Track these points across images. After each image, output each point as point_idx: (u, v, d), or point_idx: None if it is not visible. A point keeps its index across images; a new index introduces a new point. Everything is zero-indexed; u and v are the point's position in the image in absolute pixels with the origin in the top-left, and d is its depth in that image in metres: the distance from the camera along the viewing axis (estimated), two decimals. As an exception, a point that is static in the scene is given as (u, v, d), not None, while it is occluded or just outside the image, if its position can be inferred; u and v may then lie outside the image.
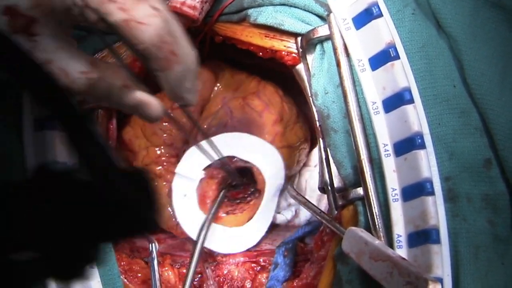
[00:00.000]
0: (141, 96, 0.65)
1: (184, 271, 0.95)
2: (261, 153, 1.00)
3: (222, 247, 1.00)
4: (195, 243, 0.91)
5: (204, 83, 1.04)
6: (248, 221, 1.02)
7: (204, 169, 1.01)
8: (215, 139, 0.98)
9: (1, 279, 0.46)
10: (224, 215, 1.03)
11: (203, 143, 0.96)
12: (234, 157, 1.00)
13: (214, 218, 0.99)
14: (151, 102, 0.65)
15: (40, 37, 0.59)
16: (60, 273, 0.50)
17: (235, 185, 1.06)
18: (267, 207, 1.02)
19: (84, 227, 0.49)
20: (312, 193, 0.99)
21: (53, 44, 0.60)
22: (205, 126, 1.02)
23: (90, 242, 0.50)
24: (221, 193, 1.02)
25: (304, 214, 1.06)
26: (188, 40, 0.65)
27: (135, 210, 0.50)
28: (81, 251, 0.50)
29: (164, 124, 1.02)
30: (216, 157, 0.97)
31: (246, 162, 1.01)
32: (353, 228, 0.70)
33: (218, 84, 1.06)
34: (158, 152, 1.02)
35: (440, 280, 0.67)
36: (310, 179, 1.01)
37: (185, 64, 0.64)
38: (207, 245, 0.97)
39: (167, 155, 1.03)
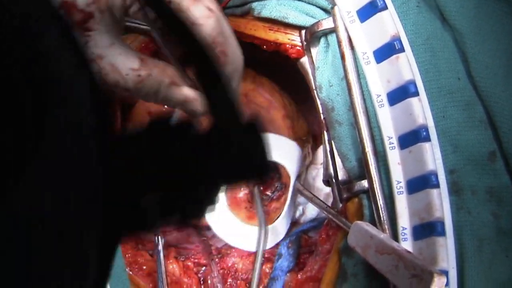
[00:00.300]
0: (188, 92, 0.66)
1: (189, 263, 0.95)
2: (281, 149, 1.00)
3: (251, 245, 1.00)
4: (256, 253, 0.91)
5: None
6: (277, 216, 1.02)
7: None
8: None
9: (131, 223, 0.50)
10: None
11: None
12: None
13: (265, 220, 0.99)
14: (197, 98, 0.66)
15: (94, 32, 0.59)
16: (184, 214, 0.56)
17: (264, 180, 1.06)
18: (292, 200, 1.02)
19: (207, 171, 0.53)
20: (319, 191, 0.99)
21: (107, 40, 0.60)
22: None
23: (212, 185, 0.56)
24: (256, 190, 1.01)
25: (311, 212, 1.06)
26: (237, 40, 0.65)
27: (253, 156, 0.56)
28: (204, 193, 0.56)
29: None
30: None
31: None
32: (359, 222, 0.70)
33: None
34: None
35: (445, 273, 0.67)
36: (317, 177, 1.01)
37: (234, 65, 0.64)
38: (245, 247, 0.97)
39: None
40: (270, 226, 1.01)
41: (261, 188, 1.02)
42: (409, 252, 0.61)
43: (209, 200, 0.57)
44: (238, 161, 0.54)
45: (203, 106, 0.67)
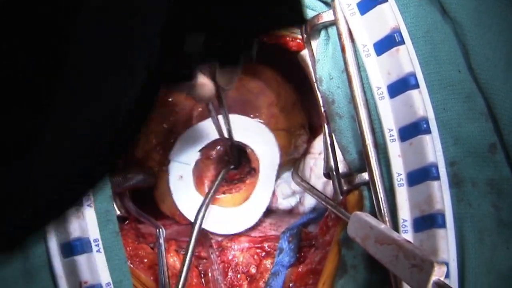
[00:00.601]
0: (199, 78, 0.70)
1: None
2: (253, 133, 1.01)
3: (220, 228, 1.00)
4: (193, 224, 0.91)
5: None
6: (245, 201, 1.03)
7: (200, 151, 1.01)
8: (207, 122, 0.99)
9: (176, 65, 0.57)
10: (221, 195, 1.03)
11: (197, 126, 0.97)
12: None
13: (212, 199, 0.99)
14: (207, 83, 0.71)
15: None
16: (222, 57, 0.63)
17: (233, 166, 1.06)
18: (263, 186, 1.02)
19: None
20: (317, 180, 0.99)
21: None
22: (200, 108, 1.03)
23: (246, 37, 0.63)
24: (221, 173, 1.02)
25: (309, 202, 1.06)
26: None
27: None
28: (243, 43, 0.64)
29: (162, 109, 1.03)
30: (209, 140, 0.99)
31: (238, 142, 1.02)
32: (358, 212, 0.70)
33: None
34: (156, 139, 1.02)
35: (446, 265, 0.67)
36: (314, 167, 1.01)
37: None
38: (205, 226, 0.97)
39: (165, 141, 1.03)
40: (236, 209, 1.02)
41: (230, 172, 1.03)
42: (409, 242, 0.61)
43: (247, 51, 0.65)
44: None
45: (212, 91, 0.70)
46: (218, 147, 1.02)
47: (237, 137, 1.00)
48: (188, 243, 0.87)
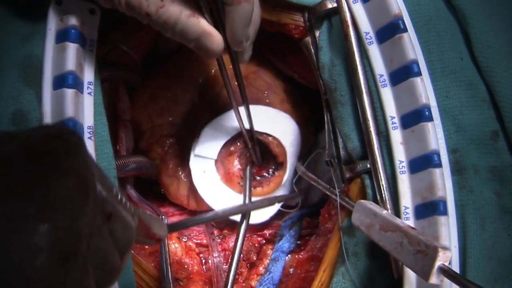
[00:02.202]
0: (205, 26, 0.68)
1: (191, 244, 0.96)
2: (277, 123, 1.00)
3: (254, 218, 0.99)
4: (239, 224, 0.90)
5: (203, 59, 1.04)
6: (273, 191, 1.02)
7: (222, 147, 1.01)
8: (228, 114, 0.99)
9: None
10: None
11: (218, 120, 0.97)
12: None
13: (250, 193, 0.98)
14: (214, 33, 0.69)
15: None
16: None
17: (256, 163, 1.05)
18: (290, 175, 1.02)
19: None
20: (323, 175, 0.99)
21: None
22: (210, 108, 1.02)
23: None
24: (248, 168, 1.01)
25: (313, 199, 1.06)
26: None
27: None
28: None
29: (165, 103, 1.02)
30: (232, 133, 0.98)
31: (264, 134, 1.00)
32: (362, 201, 0.70)
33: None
34: (160, 132, 1.02)
35: (453, 270, 0.68)
36: (319, 161, 1.01)
37: (253, 5, 0.68)
38: (236, 218, 0.96)
39: (168, 134, 1.02)
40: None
41: (254, 169, 1.03)
42: (413, 228, 0.61)
43: None
44: None
45: (220, 44, 0.70)
46: (238, 143, 1.01)
47: (261, 127, 0.99)
48: (235, 245, 0.87)
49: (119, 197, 0.52)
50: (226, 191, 0.99)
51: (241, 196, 0.96)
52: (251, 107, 0.93)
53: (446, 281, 0.61)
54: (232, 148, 1.00)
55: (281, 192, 1.03)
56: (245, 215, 0.89)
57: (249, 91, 0.99)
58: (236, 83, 0.86)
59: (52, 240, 0.37)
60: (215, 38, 0.69)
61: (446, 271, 0.55)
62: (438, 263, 0.55)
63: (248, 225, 0.90)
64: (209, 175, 0.99)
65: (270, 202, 0.98)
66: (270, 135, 1.00)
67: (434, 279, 0.56)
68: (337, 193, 0.79)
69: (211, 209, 0.98)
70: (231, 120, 0.98)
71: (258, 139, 0.99)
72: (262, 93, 1.02)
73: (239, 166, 1.01)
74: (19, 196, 0.38)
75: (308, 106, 1.09)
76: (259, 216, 1.00)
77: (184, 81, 1.02)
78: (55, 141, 0.42)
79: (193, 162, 0.99)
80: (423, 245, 0.57)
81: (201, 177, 0.99)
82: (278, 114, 1.01)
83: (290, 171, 1.02)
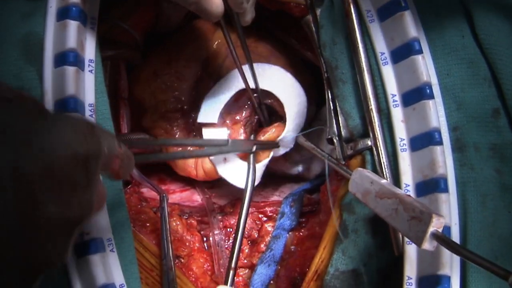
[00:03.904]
0: None
1: (192, 221, 0.96)
2: (278, 81, 0.99)
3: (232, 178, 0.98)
4: (244, 195, 0.90)
5: (204, 34, 1.03)
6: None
7: (227, 112, 1.00)
8: (229, 75, 0.98)
9: None
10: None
11: (218, 84, 0.98)
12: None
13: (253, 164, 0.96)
14: None
15: None
16: None
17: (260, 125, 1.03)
18: (290, 137, 0.99)
19: None
20: (323, 148, 0.99)
21: None
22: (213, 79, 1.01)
23: None
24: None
25: (315, 169, 1.05)
26: None
27: None
28: None
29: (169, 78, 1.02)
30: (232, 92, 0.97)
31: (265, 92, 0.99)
32: (360, 169, 0.70)
33: (219, 40, 1.05)
34: (164, 108, 1.02)
35: (447, 229, 0.68)
36: (321, 133, 1.00)
37: None
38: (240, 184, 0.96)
39: (173, 109, 1.02)
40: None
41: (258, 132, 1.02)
42: (408, 196, 0.61)
43: None
44: None
45: (220, 6, 0.69)
46: (244, 112, 1.00)
47: (263, 85, 0.97)
48: (239, 215, 0.87)
49: None
50: (232, 159, 0.98)
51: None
52: (256, 64, 0.93)
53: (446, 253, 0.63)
54: (237, 117, 0.99)
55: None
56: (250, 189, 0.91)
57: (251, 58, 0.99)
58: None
59: None
60: (215, 0, 0.69)
61: (439, 237, 0.56)
62: (431, 229, 0.56)
63: (251, 197, 0.91)
64: (229, 160, 0.98)
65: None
66: (271, 93, 0.99)
67: (427, 244, 0.56)
68: (336, 163, 0.79)
69: (220, 178, 0.97)
70: (232, 81, 0.97)
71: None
72: (264, 59, 1.01)
73: (244, 135, 1.00)
74: None
75: (313, 77, 1.08)
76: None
77: (187, 57, 1.01)
78: None
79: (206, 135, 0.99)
80: (418, 211, 0.57)
81: (223, 166, 0.97)
82: (279, 71, 1.00)
83: (291, 130, 0.99)
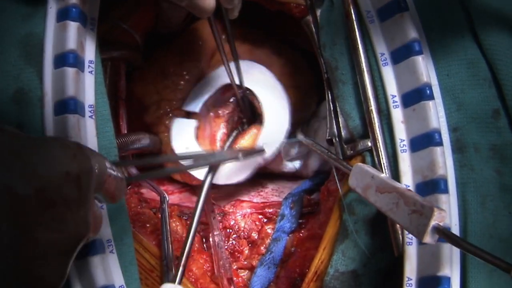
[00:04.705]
0: None
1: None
2: (262, 82, 1.00)
3: (223, 179, 0.99)
4: (202, 183, 0.90)
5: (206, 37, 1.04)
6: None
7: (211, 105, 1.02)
8: (216, 71, 1.01)
9: None
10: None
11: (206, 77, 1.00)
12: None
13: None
14: None
15: None
16: None
17: (244, 124, 1.05)
18: (267, 138, 1.00)
19: None
20: (322, 144, 0.99)
21: None
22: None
23: None
24: (233, 135, 1.02)
25: (313, 165, 1.05)
26: None
27: None
28: None
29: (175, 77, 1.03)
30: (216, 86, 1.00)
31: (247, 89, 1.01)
32: (360, 164, 0.70)
33: (223, 36, 1.05)
34: (169, 106, 1.02)
35: (448, 230, 0.68)
36: (318, 130, 1.00)
37: None
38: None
39: (177, 107, 1.03)
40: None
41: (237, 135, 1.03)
42: (409, 190, 0.61)
43: None
44: None
45: (211, 2, 0.70)
46: (228, 108, 1.01)
47: (247, 84, 0.99)
48: (196, 204, 0.86)
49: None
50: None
51: None
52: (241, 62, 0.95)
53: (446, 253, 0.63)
54: (220, 112, 1.01)
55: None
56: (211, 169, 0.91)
57: (252, 54, 1.03)
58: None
59: None
60: None
61: (440, 231, 0.56)
62: (433, 222, 0.56)
63: (211, 180, 0.91)
64: (187, 134, 1.01)
65: (232, 154, 0.94)
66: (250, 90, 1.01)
67: (428, 238, 0.56)
68: (335, 159, 0.79)
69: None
70: (220, 75, 1.00)
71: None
72: (265, 56, 1.03)
73: (224, 131, 1.01)
74: None
75: (317, 77, 1.08)
76: (234, 176, 1.00)
77: (197, 58, 1.04)
78: None
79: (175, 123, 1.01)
80: (419, 205, 0.57)
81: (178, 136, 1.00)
82: (260, 70, 1.02)
83: (268, 134, 1.00)
